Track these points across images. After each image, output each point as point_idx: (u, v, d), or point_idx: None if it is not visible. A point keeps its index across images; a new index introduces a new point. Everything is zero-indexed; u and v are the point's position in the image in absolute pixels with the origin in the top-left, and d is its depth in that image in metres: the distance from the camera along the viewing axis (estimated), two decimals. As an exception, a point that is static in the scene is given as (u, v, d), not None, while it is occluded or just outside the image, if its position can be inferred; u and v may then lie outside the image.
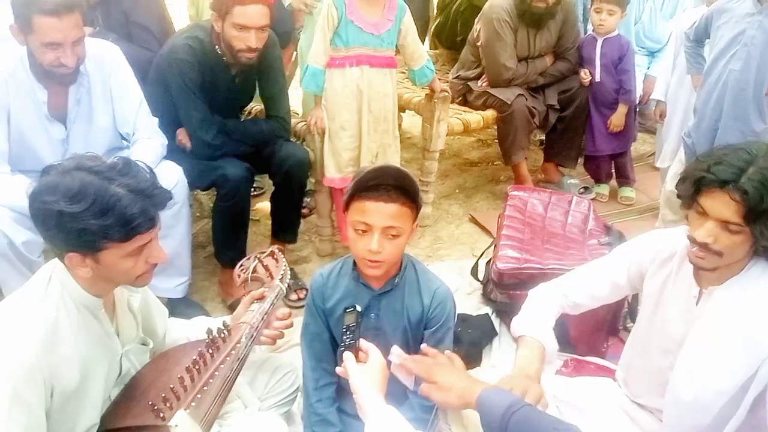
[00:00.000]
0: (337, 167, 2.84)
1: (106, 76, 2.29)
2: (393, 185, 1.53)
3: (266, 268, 1.89)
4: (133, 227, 1.35)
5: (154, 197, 1.39)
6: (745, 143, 1.45)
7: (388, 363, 1.41)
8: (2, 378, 1.27)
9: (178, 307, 2.49)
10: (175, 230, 2.43)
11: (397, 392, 1.76)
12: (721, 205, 1.34)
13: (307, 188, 3.02)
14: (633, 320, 2.42)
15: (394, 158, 2.96)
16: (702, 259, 1.41)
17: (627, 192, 3.69)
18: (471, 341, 2.31)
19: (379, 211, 1.53)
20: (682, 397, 1.49)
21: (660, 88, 3.51)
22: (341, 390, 1.83)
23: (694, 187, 1.39)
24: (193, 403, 1.50)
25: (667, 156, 3.35)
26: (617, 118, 3.46)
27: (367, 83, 2.76)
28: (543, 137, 4.05)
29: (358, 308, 1.52)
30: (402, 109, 3.53)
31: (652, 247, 1.63)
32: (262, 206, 3.40)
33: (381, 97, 2.82)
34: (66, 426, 1.40)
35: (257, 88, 2.80)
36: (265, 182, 3.51)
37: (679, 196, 1.50)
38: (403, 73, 3.36)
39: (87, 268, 1.37)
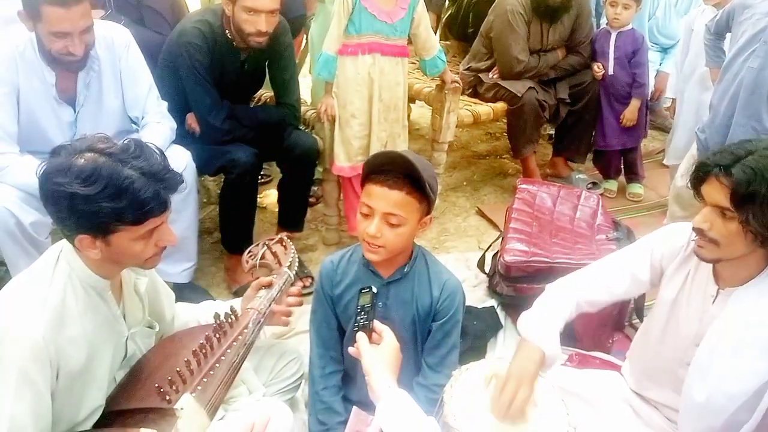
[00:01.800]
0: (346, 156, 2.83)
1: (116, 60, 2.28)
2: (403, 173, 1.52)
3: (275, 254, 1.88)
4: (147, 210, 1.34)
5: (166, 180, 1.38)
6: (756, 138, 1.44)
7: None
8: (10, 358, 1.27)
9: (183, 291, 2.49)
10: (183, 215, 2.43)
11: (406, 380, 1.77)
12: (715, 190, 1.37)
13: (315, 177, 3.01)
14: (639, 317, 2.41)
15: (402, 148, 2.95)
16: (701, 248, 1.43)
17: (635, 188, 3.67)
18: (476, 334, 2.31)
19: (383, 197, 1.52)
20: (695, 397, 1.48)
21: (672, 85, 3.50)
22: (348, 378, 1.83)
23: (696, 176, 1.42)
24: (199, 387, 1.50)
25: (674, 154, 3.33)
26: (630, 112, 3.43)
27: (379, 71, 2.75)
28: (552, 131, 4.03)
29: (374, 289, 1.51)
30: (412, 99, 3.51)
31: (677, 242, 1.61)
32: (270, 194, 3.40)
33: (392, 86, 2.80)
34: (71, 406, 1.41)
35: (267, 75, 2.79)
36: (272, 170, 3.51)
37: (695, 197, 1.50)
38: (414, 63, 3.34)
39: (97, 250, 1.36)
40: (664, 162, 3.56)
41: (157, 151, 1.42)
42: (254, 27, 2.39)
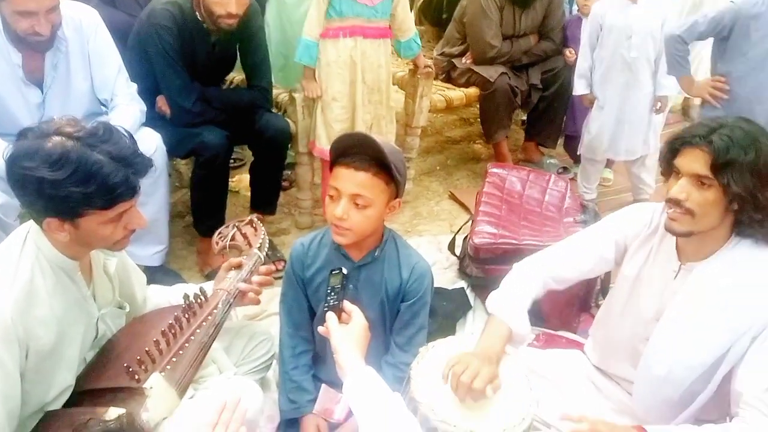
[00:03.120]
0: (328, 139, 2.83)
1: (84, 41, 2.25)
2: (370, 155, 1.53)
3: (245, 236, 1.89)
4: (116, 195, 1.34)
5: (135, 165, 1.37)
6: (722, 116, 1.52)
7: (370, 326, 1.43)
8: None
9: (155, 275, 2.48)
10: (154, 198, 2.42)
11: (374, 358, 1.80)
12: (692, 159, 1.41)
13: (287, 161, 3.02)
14: (605, 297, 2.47)
15: (388, 129, 2.97)
16: (675, 221, 1.45)
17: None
18: (445, 314, 2.35)
19: (349, 178, 1.53)
20: (655, 371, 1.53)
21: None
22: (317, 358, 1.86)
23: (671, 150, 1.46)
24: (168, 367, 1.51)
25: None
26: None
27: (361, 54, 2.75)
28: (525, 117, 4.08)
29: (344, 271, 1.53)
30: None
31: (640, 219, 1.66)
32: (243, 178, 3.39)
33: (375, 68, 2.81)
34: (41, 386, 1.41)
35: (238, 57, 2.78)
36: (245, 154, 3.50)
37: (662, 173, 1.55)
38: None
39: (65, 233, 1.36)
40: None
41: (126, 135, 1.41)
42: (224, 9, 2.38)
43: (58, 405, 1.46)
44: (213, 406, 1.49)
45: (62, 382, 1.45)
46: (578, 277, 1.76)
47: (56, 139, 1.30)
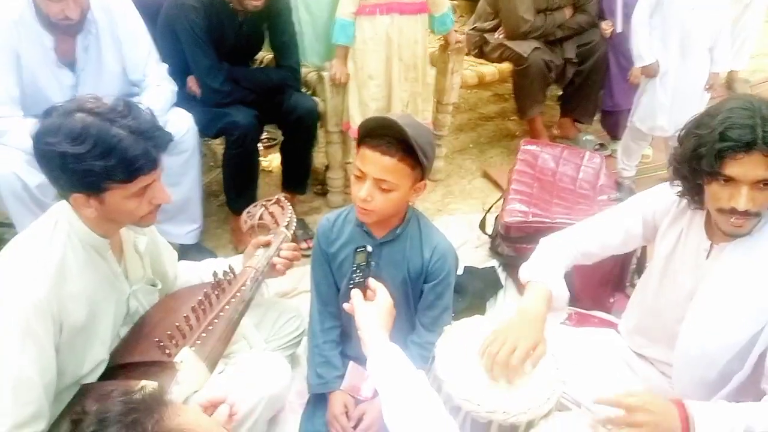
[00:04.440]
0: (363, 117, 2.80)
1: (114, 23, 2.28)
2: (397, 138, 1.50)
3: (272, 214, 1.91)
4: (136, 168, 1.36)
5: (155, 138, 1.40)
6: (724, 101, 1.41)
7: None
8: (14, 314, 1.31)
9: (190, 252, 2.53)
10: (186, 177, 2.46)
11: (398, 336, 1.80)
12: (753, 166, 1.31)
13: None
14: (642, 274, 2.42)
15: (424, 107, 2.94)
16: (741, 227, 1.39)
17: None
18: (475, 292, 2.34)
19: (375, 162, 1.51)
20: (690, 350, 1.50)
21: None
22: (345, 334, 1.87)
23: (716, 159, 1.34)
24: (198, 342, 1.54)
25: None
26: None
27: (398, 30, 2.72)
28: (560, 92, 3.98)
29: (369, 248, 1.53)
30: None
31: (669, 197, 1.60)
32: (275, 157, 3.41)
33: (411, 44, 2.77)
34: (75, 360, 1.46)
35: (267, 37, 2.78)
36: (278, 133, 3.51)
37: (683, 177, 1.46)
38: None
39: (92, 209, 1.39)
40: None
41: (147, 110, 1.43)
42: None
43: (93, 378, 1.50)
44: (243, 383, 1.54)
45: (96, 356, 1.50)
46: (606, 253, 1.73)
47: (78, 115, 1.34)
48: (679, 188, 1.51)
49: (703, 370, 1.48)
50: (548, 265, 1.61)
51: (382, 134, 1.51)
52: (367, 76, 2.75)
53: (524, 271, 1.62)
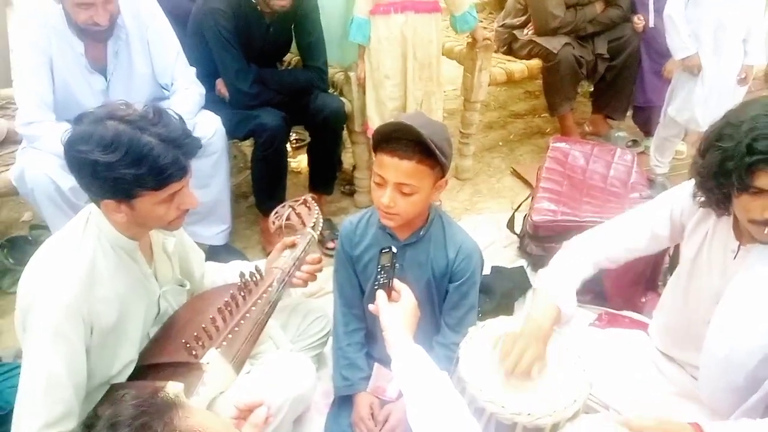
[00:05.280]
0: (380, 117, 2.82)
1: (143, 28, 2.32)
2: (413, 141, 1.48)
3: (299, 215, 1.92)
4: (167, 176, 1.38)
5: (185, 146, 1.41)
6: (745, 106, 1.36)
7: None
8: (45, 317, 1.34)
9: (219, 253, 2.56)
10: (215, 179, 2.49)
11: (423, 338, 1.79)
12: None
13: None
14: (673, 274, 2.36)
15: (437, 106, 2.93)
16: None
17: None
18: (503, 293, 2.31)
19: (394, 167, 1.50)
20: (716, 353, 1.46)
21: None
22: (370, 335, 1.87)
23: (746, 172, 1.29)
24: (224, 343, 1.56)
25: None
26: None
27: (412, 29, 2.71)
28: (592, 88, 3.91)
29: (394, 249, 1.53)
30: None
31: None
32: (303, 158, 3.43)
33: (425, 43, 2.76)
34: (106, 361, 1.48)
35: (294, 38, 2.79)
36: (307, 134, 3.53)
37: (710, 190, 1.41)
38: (445, 20, 3.28)
39: (122, 214, 1.41)
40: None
41: (176, 117, 1.45)
42: None
43: (122, 378, 1.53)
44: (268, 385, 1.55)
45: (125, 356, 1.53)
46: (632, 256, 1.69)
47: (109, 123, 1.35)
48: (702, 199, 1.47)
49: (730, 374, 1.44)
50: (564, 278, 1.58)
51: (398, 138, 1.50)
52: (383, 76, 2.75)
53: (540, 280, 1.60)
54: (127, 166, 1.33)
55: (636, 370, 1.70)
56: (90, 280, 1.40)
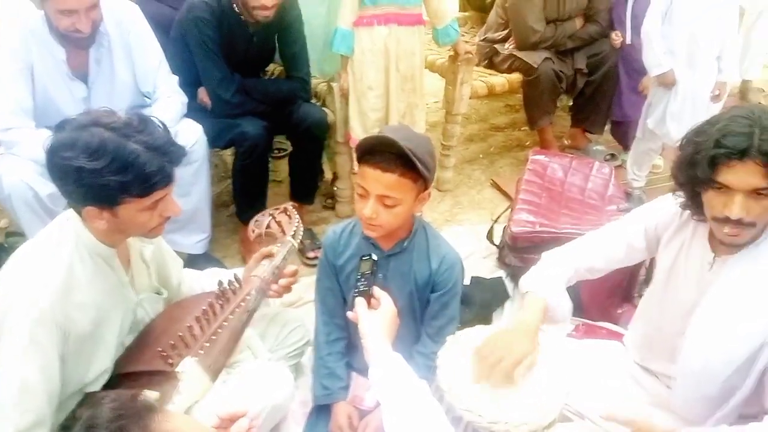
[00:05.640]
0: (363, 128, 2.83)
1: (125, 35, 2.31)
2: (396, 153, 1.49)
3: (279, 224, 1.92)
4: (152, 183, 1.38)
5: (170, 154, 1.42)
6: (727, 110, 1.40)
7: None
8: (19, 323, 1.33)
9: (198, 262, 2.54)
10: (196, 188, 2.48)
11: (404, 348, 1.79)
12: (747, 174, 1.29)
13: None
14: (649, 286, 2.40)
15: (420, 118, 2.95)
16: (737, 236, 1.36)
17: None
18: (482, 303, 2.33)
19: (376, 179, 1.51)
20: (692, 364, 1.48)
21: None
22: (351, 345, 1.87)
23: (709, 167, 1.33)
24: (201, 351, 1.55)
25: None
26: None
27: (395, 42, 2.74)
28: (571, 102, 3.97)
29: (374, 257, 1.53)
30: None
31: (670, 209, 1.59)
32: (285, 168, 3.42)
33: (408, 56, 2.79)
34: (80, 368, 1.47)
35: (278, 48, 2.80)
36: (289, 144, 3.53)
37: (681, 185, 1.45)
38: (427, 33, 3.32)
39: (103, 221, 1.41)
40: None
41: (161, 125, 1.45)
42: (258, 1, 2.40)
43: (97, 387, 1.51)
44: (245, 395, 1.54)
45: (100, 364, 1.51)
46: (610, 267, 1.71)
47: (94, 130, 1.35)
48: (682, 198, 1.50)
49: (704, 385, 1.46)
50: (547, 276, 1.61)
51: (381, 151, 1.51)
52: (366, 87, 2.77)
53: (523, 282, 1.62)
54: (113, 173, 1.33)
55: (612, 380, 1.72)
56: (66, 287, 1.39)
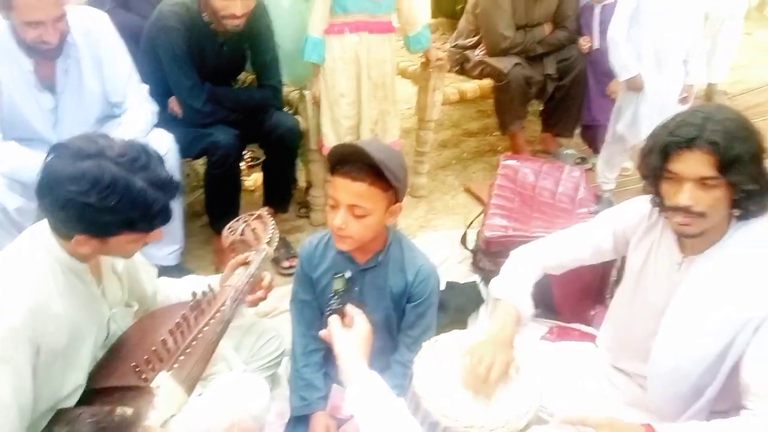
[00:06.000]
0: (336, 136, 2.84)
1: (94, 46, 2.29)
2: (366, 163, 1.50)
3: (254, 231, 1.89)
4: (157, 222, 1.39)
5: (172, 190, 1.42)
6: (697, 107, 1.45)
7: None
8: None
9: (171, 274, 2.48)
10: (167, 198, 2.45)
11: (381, 360, 1.79)
12: (695, 163, 1.35)
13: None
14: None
15: (392, 125, 2.97)
16: (688, 226, 1.40)
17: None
18: (457, 308, 2.34)
19: (346, 188, 1.51)
20: (663, 364, 1.51)
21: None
22: (328, 356, 1.86)
23: (662, 155, 1.39)
24: (175, 365, 1.52)
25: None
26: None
27: (366, 49, 2.75)
28: (541, 107, 4.02)
29: (347, 274, 1.53)
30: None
31: (639, 211, 1.63)
32: (258, 177, 3.41)
33: (380, 63, 2.81)
34: (53, 385, 1.44)
35: (249, 57, 2.79)
36: (262, 152, 3.52)
37: (644, 176, 1.49)
38: (399, 40, 3.34)
39: (89, 247, 1.38)
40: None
41: (156, 156, 1.43)
42: (228, 11, 2.39)
43: (70, 403, 1.48)
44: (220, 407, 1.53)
45: (74, 381, 1.48)
46: (577, 264, 1.76)
47: (102, 164, 1.31)
48: (652, 194, 1.53)
49: (676, 384, 1.49)
50: (516, 282, 1.64)
51: (352, 161, 1.51)
52: (338, 95, 2.78)
53: (494, 287, 1.66)
54: (120, 212, 1.32)
55: (586, 381, 1.74)
56: (39, 301, 1.36)
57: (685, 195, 1.36)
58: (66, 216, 1.33)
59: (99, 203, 1.29)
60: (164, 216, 1.39)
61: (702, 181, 1.35)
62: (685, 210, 1.38)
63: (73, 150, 1.33)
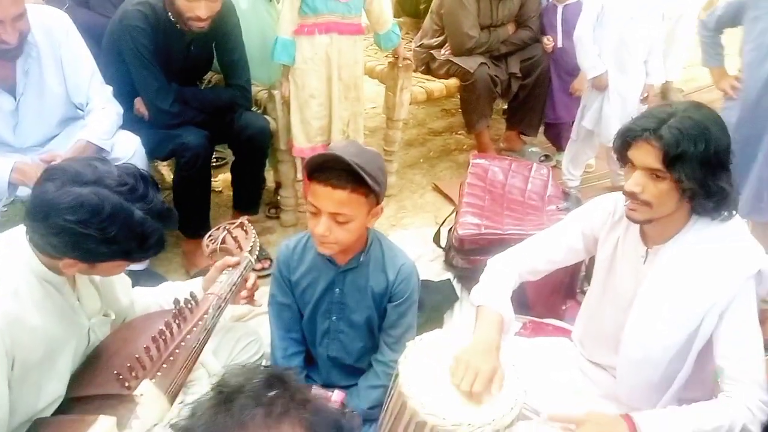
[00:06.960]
0: (306, 137, 2.82)
1: (56, 46, 2.21)
2: (345, 170, 1.48)
3: (235, 239, 1.87)
4: (152, 252, 1.39)
5: (168, 219, 1.40)
6: (673, 102, 1.52)
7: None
8: None
9: (140, 279, 2.45)
10: (135, 202, 2.40)
11: (364, 358, 1.80)
12: (644, 153, 1.41)
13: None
14: (590, 283, 2.50)
15: (361, 125, 2.98)
16: (634, 211, 1.48)
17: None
18: (432, 306, 2.36)
19: (327, 196, 1.50)
20: (633, 354, 1.56)
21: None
22: (309, 360, 1.86)
23: (623, 141, 1.47)
24: (159, 373, 1.51)
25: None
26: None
27: (337, 51, 2.74)
28: (506, 106, 4.09)
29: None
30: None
31: (604, 209, 1.68)
32: (225, 177, 3.37)
33: (350, 64, 2.80)
34: (29, 397, 1.40)
35: (216, 57, 2.75)
36: (228, 153, 3.47)
37: (619, 159, 1.56)
38: (366, 39, 3.34)
39: (75, 269, 1.36)
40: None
41: (152, 183, 1.40)
42: (193, 12, 2.34)
43: (48, 414, 1.45)
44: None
45: (52, 392, 1.45)
46: (552, 268, 1.79)
47: (101, 192, 1.27)
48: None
49: (646, 372, 1.54)
50: (497, 289, 1.66)
51: (331, 167, 1.50)
52: (308, 96, 2.76)
53: (476, 295, 1.66)
54: (118, 243, 1.30)
55: (562, 375, 1.79)
56: (14, 312, 1.32)
57: (632, 181, 1.45)
58: (59, 242, 1.30)
59: (98, 234, 1.27)
60: (159, 246, 1.39)
61: (651, 172, 1.42)
62: (632, 195, 1.45)
63: (70, 175, 1.29)
